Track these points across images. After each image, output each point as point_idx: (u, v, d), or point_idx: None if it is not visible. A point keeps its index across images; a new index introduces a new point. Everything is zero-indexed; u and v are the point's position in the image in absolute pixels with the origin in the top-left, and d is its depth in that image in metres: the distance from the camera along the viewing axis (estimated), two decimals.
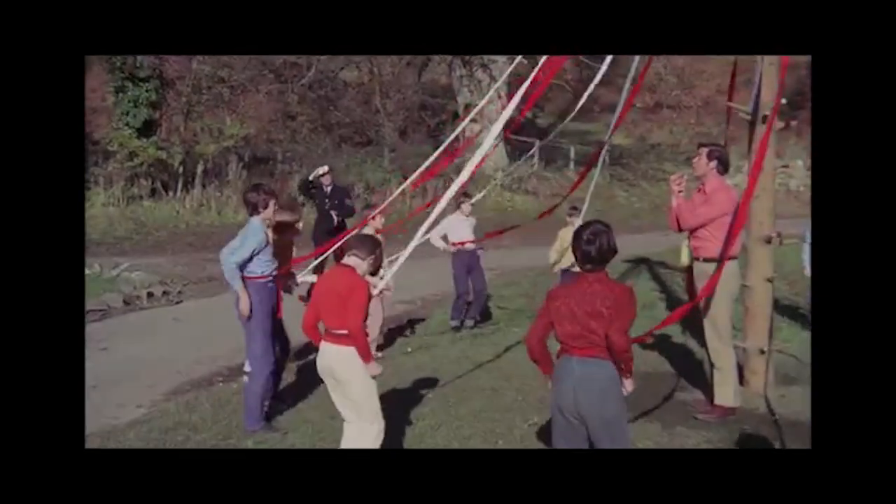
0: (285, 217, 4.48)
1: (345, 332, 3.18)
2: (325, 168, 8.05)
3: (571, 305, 2.55)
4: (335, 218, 7.66)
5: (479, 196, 6.96)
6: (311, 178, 7.93)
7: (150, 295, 8.48)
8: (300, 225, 4.64)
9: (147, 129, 15.63)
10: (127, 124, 15.39)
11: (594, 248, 2.56)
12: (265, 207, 4.11)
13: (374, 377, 3.26)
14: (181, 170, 16.26)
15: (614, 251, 2.58)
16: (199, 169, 16.46)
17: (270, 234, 4.15)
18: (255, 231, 4.04)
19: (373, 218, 5.60)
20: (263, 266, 4.07)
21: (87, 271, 9.42)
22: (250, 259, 3.98)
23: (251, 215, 4.14)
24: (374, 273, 3.34)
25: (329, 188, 7.87)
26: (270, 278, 4.09)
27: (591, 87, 4.72)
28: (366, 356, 3.20)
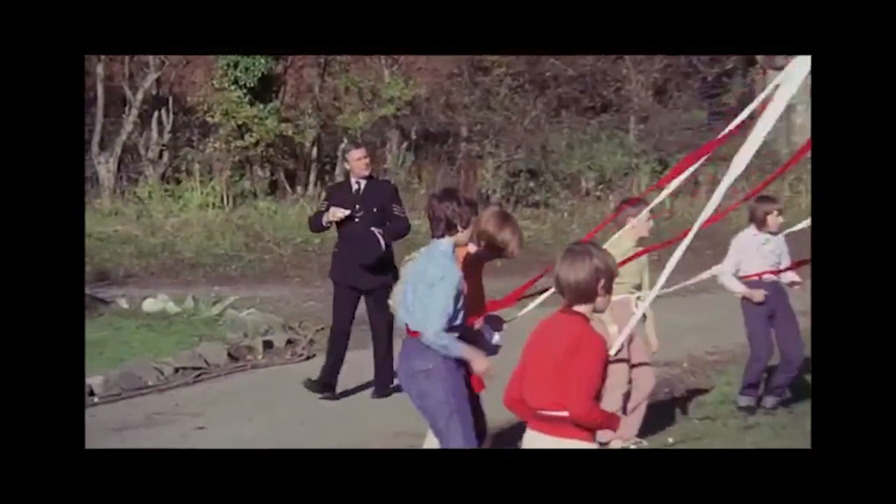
0: (494, 238, 4.71)
1: (562, 413, 3.27)
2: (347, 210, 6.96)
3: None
4: (380, 240, 7.04)
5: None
6: (325, 220, 7.09)
7: (268, 346, 8.71)
8: (513, 247, 4.78)
9: (265, 89, 15.92)
10: (235, 81, 15.57)
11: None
12: (465, 226, 4.38)
13: None
14: (315, 153, 16.61)
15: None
16: (342, 151, 16.72)
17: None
18: (451, 265, 4.26)
19: (625, 224, 5.86)
20: (455, 315, 4.34)
21: (174, 307, 9.57)
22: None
23: (440, 235, 4.38)
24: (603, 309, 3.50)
25: (362, 184, 7.22)
26: (457, 333, 4.33)
27: None
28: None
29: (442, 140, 17.97)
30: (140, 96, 15.94)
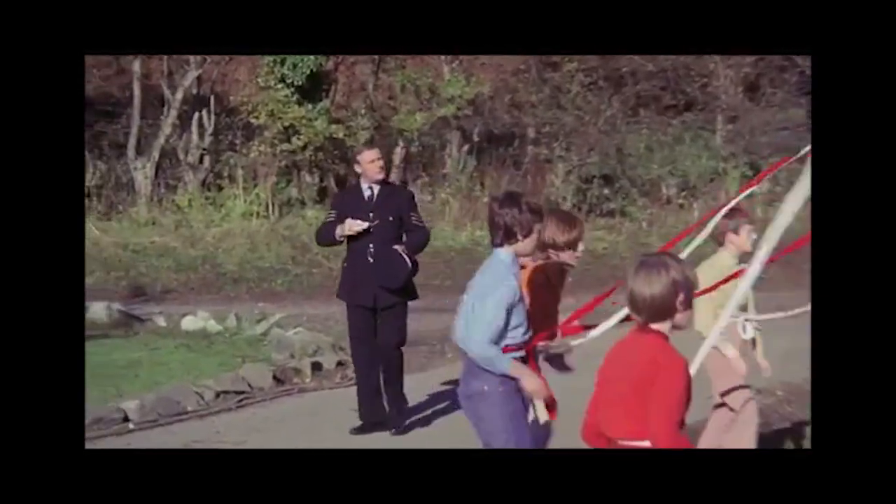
0: (561, 248, 4.82)
1: (644, 443, 3.31)
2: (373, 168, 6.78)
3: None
4: (405, 260, 6.79)
5: None
6: (339, 233, 6.80)
7: (316, 368, 8.60)
8: (575, 254, 4.89)
9: (314, 87, 16.04)
10: (282, 79, 15.72)
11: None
12: (527, 234, 4.42)
13: None
14: None
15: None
16: (398, 154, 16.82)
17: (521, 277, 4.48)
18: (507, 276, 4.31)
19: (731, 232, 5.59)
20: (512, 331, 4.36)
21: (215, 325, 9.64)
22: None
23: (499, 244, 4.43)
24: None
25: (375, 190, 7.00)
26: (521, 350, 4.39)
27: None
28: None
29: (507, 142, 17.91)
30: (179, 96, 16.19)
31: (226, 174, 16.25)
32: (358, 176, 7.00)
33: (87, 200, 15.24)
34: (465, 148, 17.36)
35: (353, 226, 6.64)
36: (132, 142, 16.10)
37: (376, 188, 6.83)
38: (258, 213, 15.55)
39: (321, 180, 16.70)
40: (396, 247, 6.71)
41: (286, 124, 15.79)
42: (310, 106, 15.91)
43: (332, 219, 6.85)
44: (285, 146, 15.92)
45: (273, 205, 15.79)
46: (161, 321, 10.18)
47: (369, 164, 6.82)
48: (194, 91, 16.52)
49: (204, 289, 13.26)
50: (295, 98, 15.83)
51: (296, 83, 15.74)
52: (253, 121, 16.14)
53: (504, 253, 4.40)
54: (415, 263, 6.78)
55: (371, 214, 6.71)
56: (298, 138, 15.80)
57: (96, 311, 9.90)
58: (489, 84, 17.16)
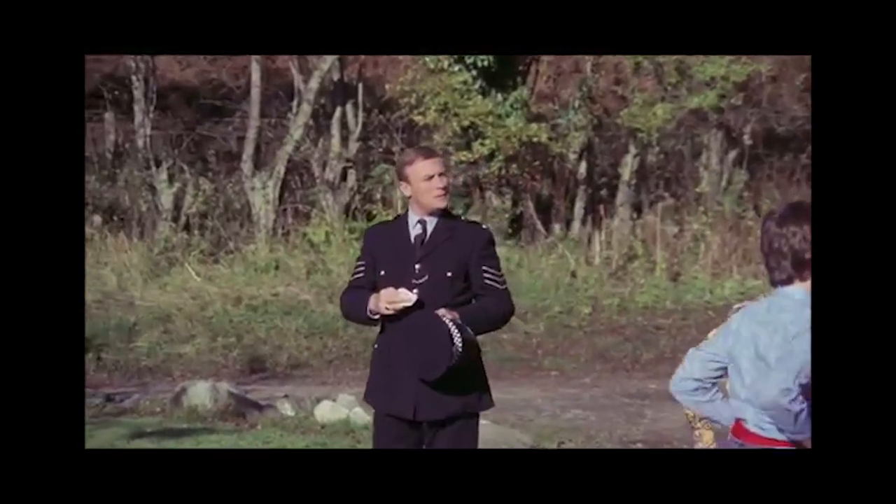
0: None
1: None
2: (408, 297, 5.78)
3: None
4: (452, 336, 5.89)
5: None
6: (373, 309, 6.10)
7: None
8: None
9: (504, 70, 16.38)
10: (460, 58, 16.00)
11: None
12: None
13: None
14: (584, 169, 17.06)
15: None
16: (628, 165, 16.94)
17: None
18: (808, 316, 4.54)
19: None
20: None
21: (363, 416, 10.09)
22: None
23: (782, 281, 4.67)
24: None
25: (428, 226, 6.32)
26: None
27: None
28: None
29: (796, 147, 17.55)
30: (315, 84, 16.58)
31: (378, 196, 16.51)
32: (406, 201, 6.46)
33: (185, 234, 16.02)
34: (732, 154, 17.16)
35: (399, 297, 6.05)
36: (248, 150, 16.61)
37: (431, 222, 6.26)
38: None
39: (514, 203, 16.83)
40: (444, 315, 6.05)
41: (465, 123, 15.97)
42: (499, 97, 16.07)
43: (361, 272, 6.41)
44: (463, 155, 16.12)
45: None
46: (287, 409, 10.35)
47: (424, 181, 6.23)
48: (335, 77, 16.89)
49: (347, 362, 13.40)
50: (478, 86, 16.05)
51: (479, 64, 15.98)
52: (417, 119, 16.36)
53: (797, 291, 4.50)
54: (464, 345, 6.03)
55: (418, 267, 6.20)
56: (482, 144, 15.97)
57: (197, 393, 10.21)
58: (769, 61, 16.82)
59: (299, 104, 16.67)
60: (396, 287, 6.03)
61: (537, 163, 16.72)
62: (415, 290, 6.05)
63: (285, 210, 16.55)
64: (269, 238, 16.18)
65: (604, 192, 17.35)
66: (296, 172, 16.91)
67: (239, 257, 15.75)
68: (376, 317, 6.15)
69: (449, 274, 6.18)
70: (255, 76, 16.74)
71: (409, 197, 6.31)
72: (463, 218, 6.86)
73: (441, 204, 6.26)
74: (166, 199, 16.35)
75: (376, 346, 6.35)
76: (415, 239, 6.26)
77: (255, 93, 16.75)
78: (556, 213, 16.96)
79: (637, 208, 17.32)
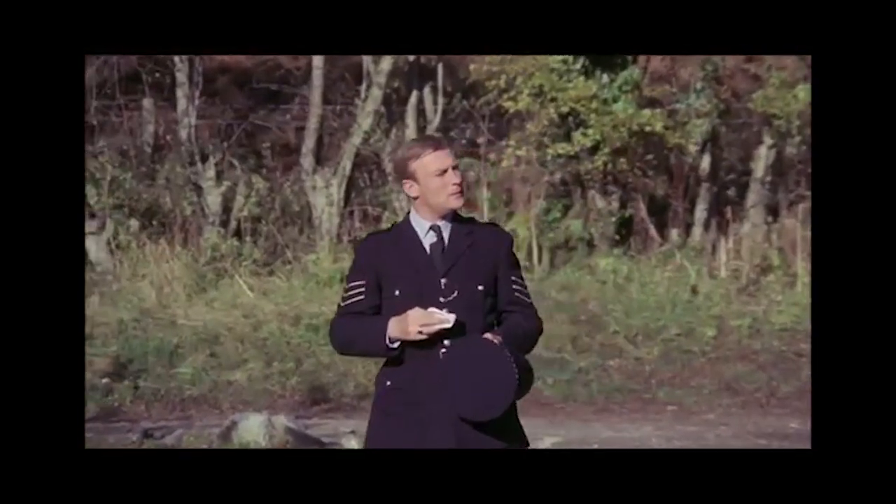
0: None
1: None
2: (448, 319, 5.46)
3: None
4: (510, 365, 5.80)
5: None
6: (397, 336, 5.33)
7: None
8: None
9: None
10: None
11: None
12: None
13: None
14: (707, 164, 17.10)
15: None
16: (763, 159, 16.94)
17: None
18: None
19: None
20: None
21: None
22: None
23: None
24: None
25: (444, 231, 6.19)
26: None
27: None
28: None
29: None
30: (386, 66, 16.60)
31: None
32: (412, 203, 6.19)
33: (235, 241, 16.06)
34: None
35: (428, 322, 5.92)
36: (309, 143, 16.66)
37: (445, 227, 6.16)
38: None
39: (623, 206, 16.84)
40: (492, 338, 5.98)
41: (564, 110, 16.04)
42: (605, 78, 16.13)
43: (361, 295, 6.25)
44: (562, 147, 16.18)
45: (540, 248, 15.99)
46: (354, 445, 10.39)
47: (436, 177, 6.10)
48: (410, 57, 16.93)
49: None
50: (580, 65, 16.10)
51: None
52: (508, 106, 16.41)
53: None
54: (527, 376, 6.05)
55: (444, 281, 6.08)
56: (585, 134, 16.02)
57: (249, 428, 10.26)
58: None
59: (368, 88, 16.74)
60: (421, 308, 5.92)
61: (651, 156, 16.71)
62: (444, 310, 5.91)
63: (352, 213, 16.66)
64: (334, 246, 16.23)
65: (731, 192, 17.30)
66: (364, 169, 17.02)
67: (298, 268, 15.83)
68: (396, 345, 5.98)
69: (480, 288, 6.11)
70: (317, 57, 16.73)
71: (416, 198, 6.13)
72: (472, 217, 6.56)
73: (457, 203, 6.08)
74: (214, 200, 16.46)
75: (389, 383, 6.13)
76: (431, 248, 6.15)
77: (318, 75, 16.78)
78: (673, 217, 16.98)
79: (772, 210, 17.22)
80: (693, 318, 14.88)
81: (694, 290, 15.65)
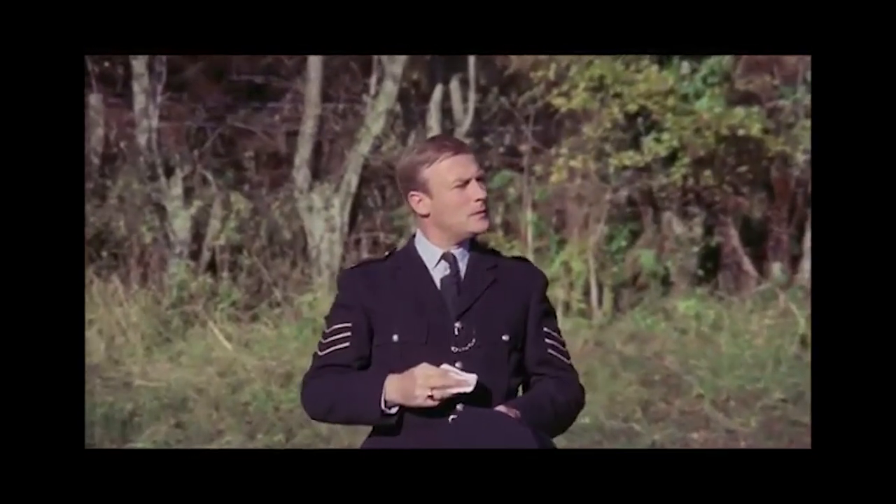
0: None
1: None
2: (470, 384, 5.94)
3: None
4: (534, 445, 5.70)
5: None
6: (395, 401, 5.88)
7: None
8: None
9: None
10: None
11: None
12: None
13: None
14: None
15: None
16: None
17: None
18: None
19: None
20: None
21: None
22: None
23: None
24: None
25: (461, 262, 6.30)
26: None
27: None
28: None
29: None
30: (402, 55, 16.53)
31: (497, 219, 16.76)
32: (418, 222, 6.28)
33: (209, 278, 16.14)
34: None
35: (443, 384, 5.81)
36: (304, 152, 16.72)
37: (462, 257, 6.23)
38: (568, 305, 15.98)
39: (708, 232, 16.94)
40: (507, 413, 5.88)
41: (631, 109, 16.15)
42: (686, 67, 16.25)
43: (344, 342, 6.14)
44: (629, 157, 16.24)
45: (601, 287, 16.13)
46: None
47: (455, 188, 6.12)
48: None
49: None
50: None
51: None
52: (558, 103, 16.48)
53: None
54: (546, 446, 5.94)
55: (458, 326, 6.09)
56: (659, 140, 16.16)
57: None
58: None
59: (380, 82, 16.77)
60: (430, 362, 5.78)
61: (745, 168, 16.56)
62: (457, 364, 5.86)
63: (358, 241, 16.63)
64: (335, 284, 15.98)
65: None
66: (374, 185, 17.06)
67: (289, 312, 15.86)
68: (394, 410, 5.89)
69: (505, 338, 6.10)
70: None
71: (425, 216, 6.15)
72: (489, 246, 6.70)
73: (481, 227, 6.14)
74: (181, 224, 16.44)
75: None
76: (443, 283, 6.14)
77: (315, 65, 16.75)
78: (774, 246, 16.88)
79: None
80: (802, 379, 14.58)
81: (803, 342, 15.46)
